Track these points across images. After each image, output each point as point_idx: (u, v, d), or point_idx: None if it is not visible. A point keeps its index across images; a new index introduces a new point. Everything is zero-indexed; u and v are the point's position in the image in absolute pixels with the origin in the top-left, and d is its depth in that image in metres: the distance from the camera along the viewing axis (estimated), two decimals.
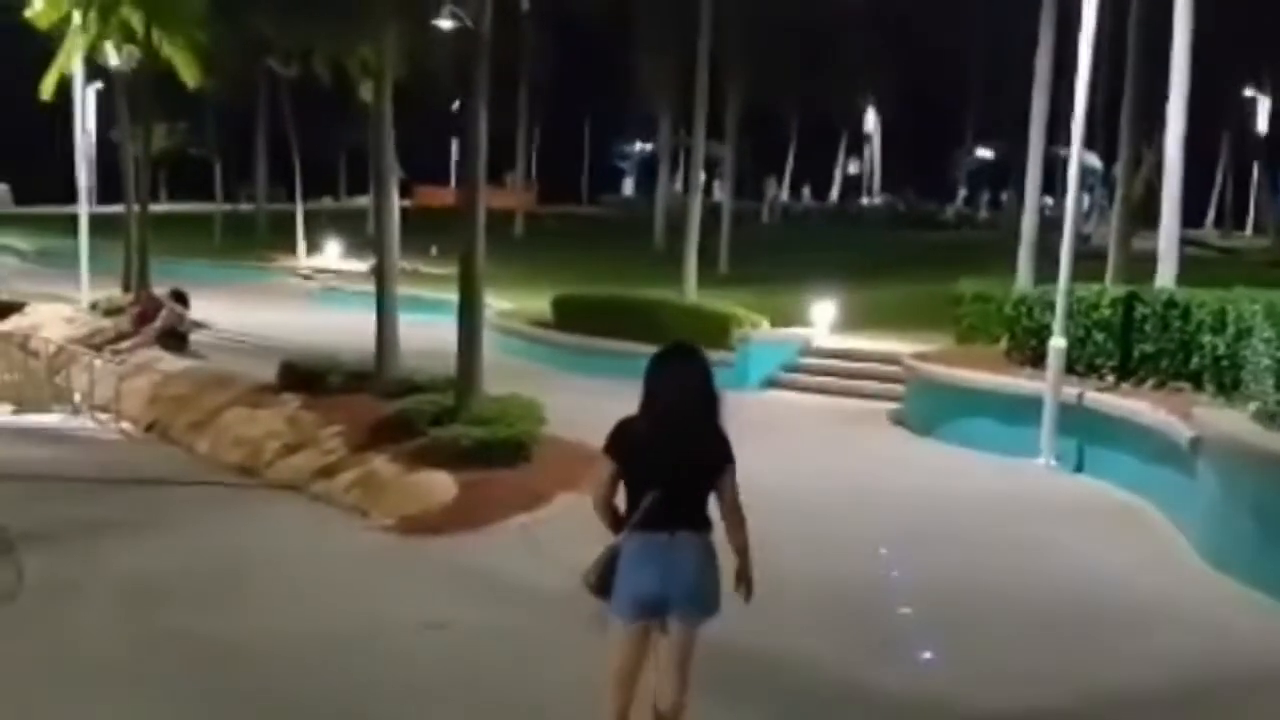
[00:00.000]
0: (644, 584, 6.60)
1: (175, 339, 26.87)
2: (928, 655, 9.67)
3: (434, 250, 39.45)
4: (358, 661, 9.46)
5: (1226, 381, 15.27)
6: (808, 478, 16.35)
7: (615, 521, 6.71)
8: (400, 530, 13.83)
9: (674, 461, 6.59)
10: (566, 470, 15.24)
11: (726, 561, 6.71)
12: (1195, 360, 16.16)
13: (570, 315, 27.85)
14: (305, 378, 20.34)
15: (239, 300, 35.29)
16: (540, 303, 29.40)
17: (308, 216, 50.71)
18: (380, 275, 20.38)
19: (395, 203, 20.81)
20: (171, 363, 25.03)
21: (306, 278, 44.15)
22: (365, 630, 10.18)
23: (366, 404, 18.63)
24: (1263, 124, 59.19)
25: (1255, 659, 9.95)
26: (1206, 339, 15.94)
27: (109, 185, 41.37)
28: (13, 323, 30.78)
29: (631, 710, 6.78)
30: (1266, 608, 10.96)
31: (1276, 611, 10.85)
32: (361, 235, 44.29)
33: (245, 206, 64.14)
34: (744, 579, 6.78)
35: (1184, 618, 10.79)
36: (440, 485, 14.87)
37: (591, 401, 21.64)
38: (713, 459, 6.68)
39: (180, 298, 28.35)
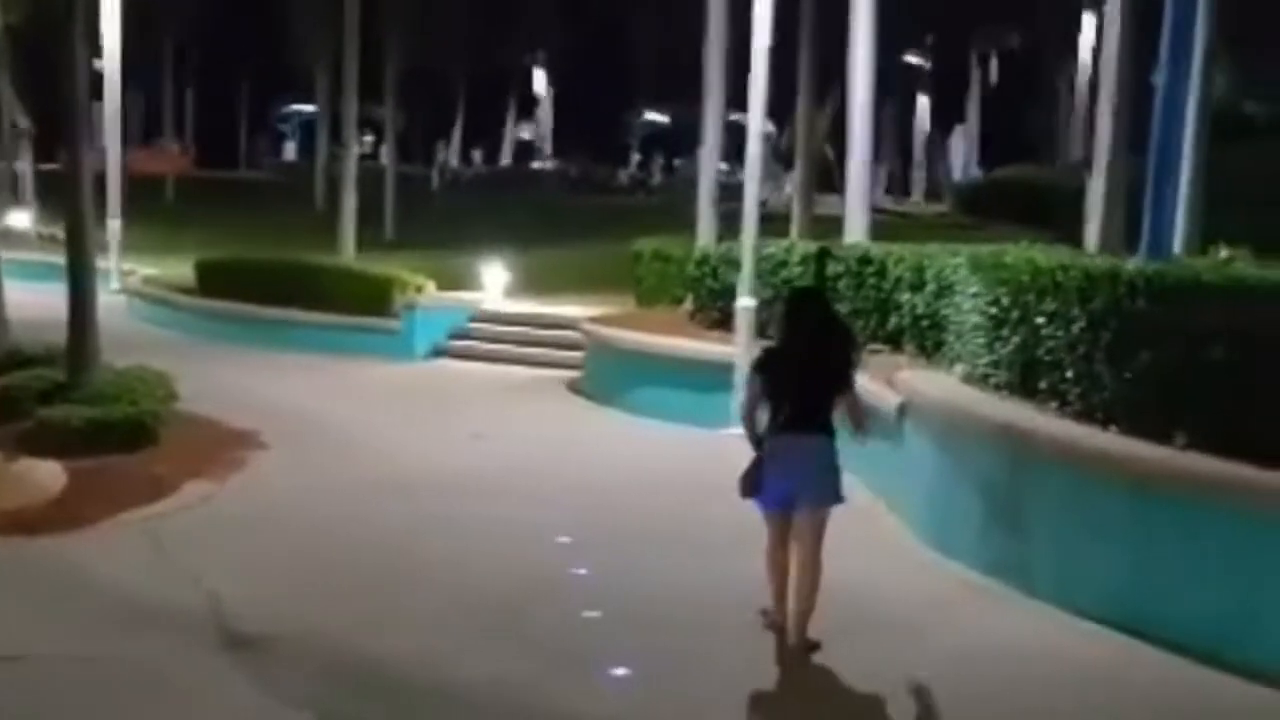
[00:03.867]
0: (778, 478, 8.25)
1: None
2: (620, 671, 8.13)
3: None
4: None
5: (928, 342, 14.29)
6: (479, 457, 14.72)
7: (755, 436, 8.40)
8: None
9: (803, 377, 8.23)
10: (199, 454, 13.56)
11: None
12: (893, 320, 15.12)
13: (217, 281, 25.56)
14: None
15: None
16: (188, 269, 26.99)
17: None
18: None
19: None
20: None
21: None
22: None
23: None
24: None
25: (999, 653, 8.62)
26: (905, 297, 14.93)
27: None
28: None
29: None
30: (999, 594, 9.73)
31: (1011, 597, 9.64)
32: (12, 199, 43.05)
33: None
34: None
35: (912, 614, 9.39)
36: (47, 475, 12.62)
37: (236, 373, 19.97)
38: (835, 376, 8.30)
39: None
